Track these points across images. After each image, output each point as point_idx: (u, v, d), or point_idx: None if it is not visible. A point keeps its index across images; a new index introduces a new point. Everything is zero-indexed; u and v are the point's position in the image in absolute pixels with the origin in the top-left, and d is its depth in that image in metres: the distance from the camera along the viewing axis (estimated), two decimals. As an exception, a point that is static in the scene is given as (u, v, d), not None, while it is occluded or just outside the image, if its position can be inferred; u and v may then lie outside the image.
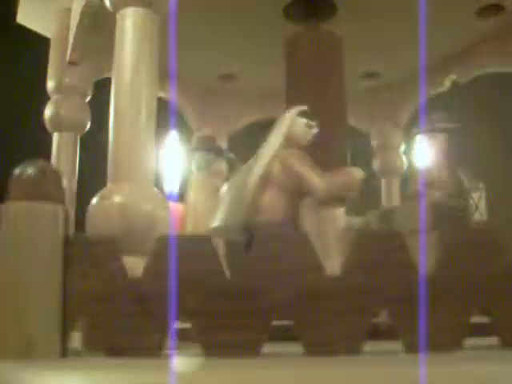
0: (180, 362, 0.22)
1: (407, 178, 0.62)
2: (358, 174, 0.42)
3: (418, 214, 0.44)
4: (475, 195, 0.49)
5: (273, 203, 0.42)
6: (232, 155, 0.61)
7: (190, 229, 0.55)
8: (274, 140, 0.43)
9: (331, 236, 0.46)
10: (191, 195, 0.57)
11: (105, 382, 0.18)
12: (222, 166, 0.60)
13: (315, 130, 0.44)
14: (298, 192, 0.42)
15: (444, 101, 0.68)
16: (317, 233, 0.43)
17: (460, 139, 0.55)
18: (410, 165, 0.67)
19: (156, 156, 0.34)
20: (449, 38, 0.63)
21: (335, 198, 0.42)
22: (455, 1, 0.55)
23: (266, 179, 0.42)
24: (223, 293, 0.23)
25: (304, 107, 0.45)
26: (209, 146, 0.60)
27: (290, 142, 0.43)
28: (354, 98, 0.69)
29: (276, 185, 0.42)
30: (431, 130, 0.56)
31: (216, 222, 0.43)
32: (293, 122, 0.44)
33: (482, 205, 0.50)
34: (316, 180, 0.41)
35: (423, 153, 0.57)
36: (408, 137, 0.73)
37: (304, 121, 0.44)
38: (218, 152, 0.60)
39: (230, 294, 0.23)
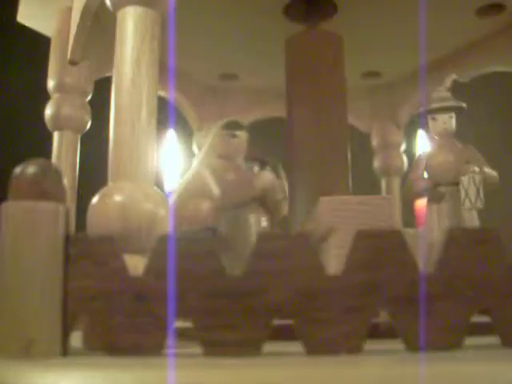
0: (180, 361, 0.22)
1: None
2: (262, 179, 0.47)
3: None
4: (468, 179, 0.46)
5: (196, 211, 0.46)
6: (275, 161, 0.56)
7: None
8: (201, 153, 0.50)
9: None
10: None
11: (105, 381, 0.19)
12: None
13: (238, 140, 0.50)
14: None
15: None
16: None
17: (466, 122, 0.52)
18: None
19: (157, 155, 0.34)
20: (449, 37, 0.63)
21: (233, 204, 0.47)
22: (455, 0, 0.55)
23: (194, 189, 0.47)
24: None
25: (230, 119, 0.51)
26: (251, 157, 0.54)
27: (216, 153, 0.49)
28: (355, 98, 0.69)
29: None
30: (434, 111, 0.53)
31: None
32: (215, 135, 0.49)
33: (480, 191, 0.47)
34: (213, 187, 0.46)
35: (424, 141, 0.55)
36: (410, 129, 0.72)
37: (225, 132, 0.49)
38: (263, 163, 0.54)
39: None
